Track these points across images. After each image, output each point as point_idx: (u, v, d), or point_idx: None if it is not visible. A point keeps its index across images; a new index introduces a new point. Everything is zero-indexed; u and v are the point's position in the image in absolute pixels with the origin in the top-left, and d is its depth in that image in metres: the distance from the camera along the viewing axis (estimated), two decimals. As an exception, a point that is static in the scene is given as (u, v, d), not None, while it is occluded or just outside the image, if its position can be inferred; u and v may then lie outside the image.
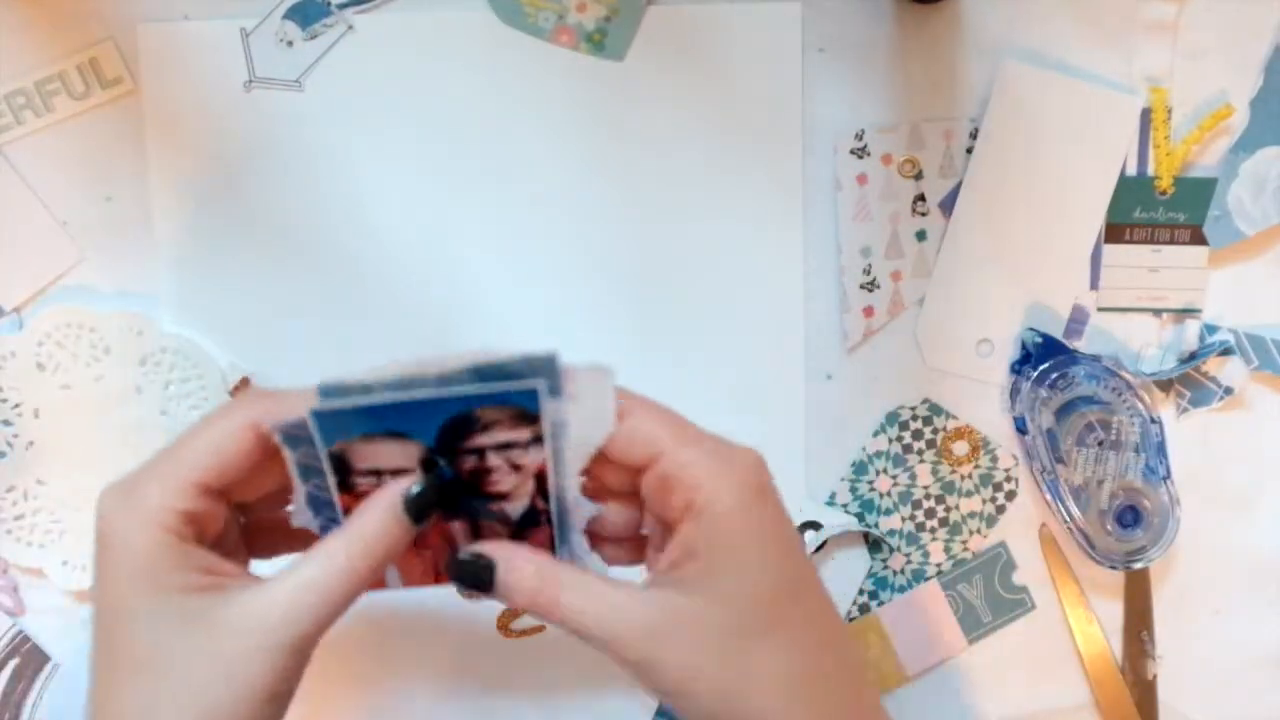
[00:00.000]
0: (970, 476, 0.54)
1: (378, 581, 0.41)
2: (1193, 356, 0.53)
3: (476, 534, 0.41)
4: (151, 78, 0.51)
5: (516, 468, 0.39)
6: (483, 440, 0.38)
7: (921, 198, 0.53)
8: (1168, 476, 0.52)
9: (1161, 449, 0.52)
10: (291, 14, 0.51)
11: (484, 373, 0.37)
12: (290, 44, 0.51)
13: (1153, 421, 0.51)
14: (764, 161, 0.52)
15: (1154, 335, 0.54)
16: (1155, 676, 0.55)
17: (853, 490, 0.54)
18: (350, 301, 0.52)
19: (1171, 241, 0.53)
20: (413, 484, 0.38)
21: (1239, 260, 0.54)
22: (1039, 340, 0.52)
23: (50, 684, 0.53)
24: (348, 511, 0.39)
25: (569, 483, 0.39)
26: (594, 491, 0.40)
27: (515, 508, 0.40)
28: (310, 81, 0.51)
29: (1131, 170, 0.53)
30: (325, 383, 0.37)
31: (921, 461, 0.54)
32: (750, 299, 0.52)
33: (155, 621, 0.35)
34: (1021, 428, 0.52)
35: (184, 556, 0.36)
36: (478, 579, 0.38)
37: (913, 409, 0.53)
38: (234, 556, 0.39)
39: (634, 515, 0.41)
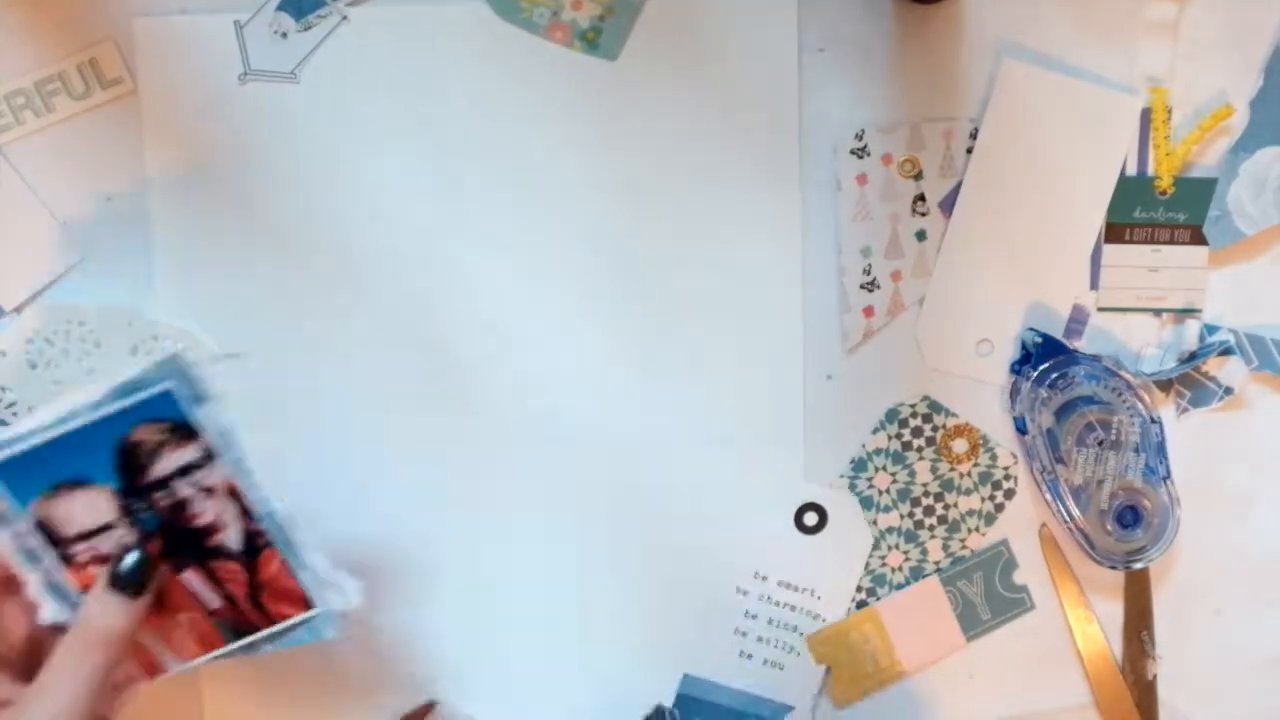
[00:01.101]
0: (969, 474, 0.54)
1: (154, 667, 0.41)
2: (1193, 356, 0.53)
3: (213, 578, 0.41)
4: (147, 72, 0.51)
5: (208, 491, 0.40)
6: (160, 469, 0.39)
7: (921, 198, 0.53)
8: (1168, 477, 0.52)
9: (1161, 449, 0.52)
10: (285, 5, 0.51)
11: (123, 390, 0.38)
12: (284, 36, 0.51)
13: (1153, 421, 0.51)
14: (761, 162, 0.52)
15: (1154, 335, 0.54)
16: (1155, 677, 0.55)
17: (852, 487, 0.54)
18: (347, 295, 0.52)
19: (1171, 241, 0.53)
20: (117, 562, 0.39)
21: (1239, 260, 0.53)
22: (1039, 340, 0.52)
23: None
24: (86, 589, 0.40)
25: (268, 494, 0.40)
26: None
27: (231, 537, 0.41)
28: (305, 73, 0.51)
29: (1131, 170, 0.53)
30: None
31: (921, 459, 0.54)
32: (749, 300, 0.52)
33: None
34: (1021, 428, 0.52)
35: None
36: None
37: (912, 406, 0.53)
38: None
39: None
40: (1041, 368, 0.51)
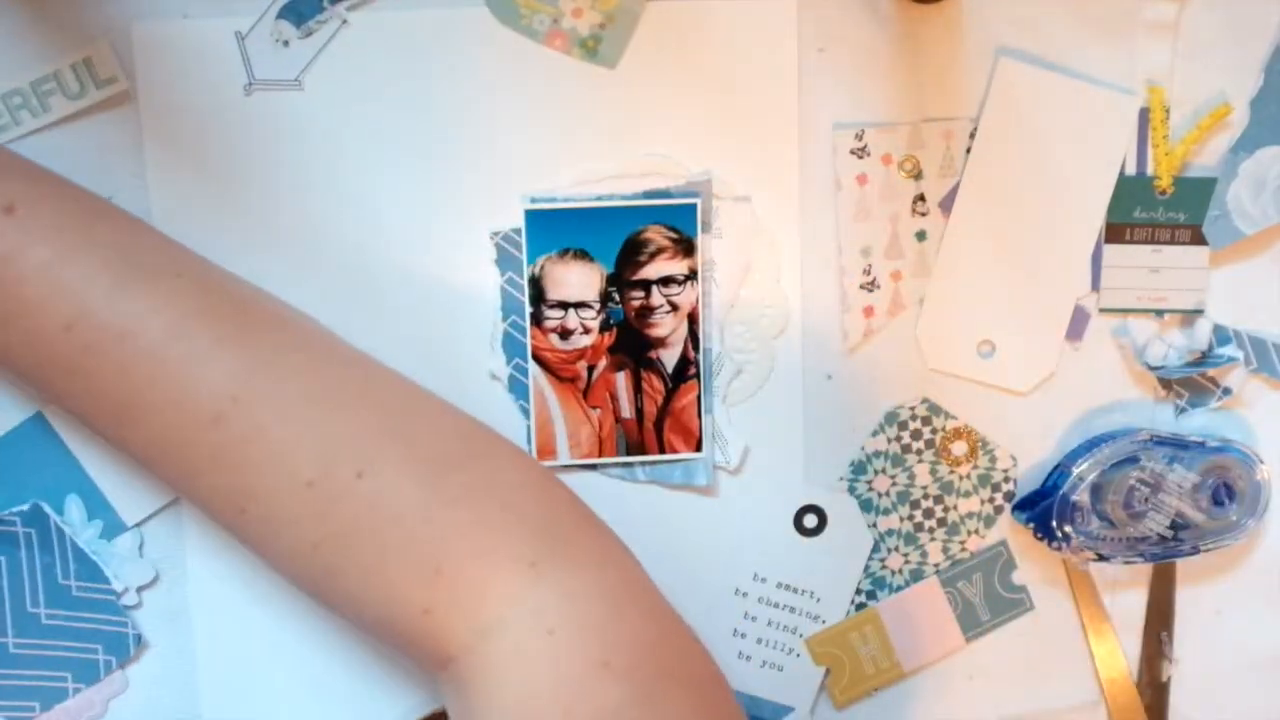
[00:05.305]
0: (969, 477, 0.54)
1: (547, 450, 0.46)
2: (1202, 359, 0.53)
3: (637, 387, 0.45)
4: (147, 80, 0.51)
5: (674, 307, 0.45)
6: (649, 271, 0.44)
7: (921, 198, 0.53)
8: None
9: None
10: (285, 13, 0.51)
11: (651, 193, 0.45)
12: (286, 44, 0.51)
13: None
14: (761, 162, 0.52)
15: (1156, 336, 0.54)
16: (1169, 679, 0.55)
17: (851, 490, 0.54)
18: (349, 300, 0.52)
19: (1172, 241, 0.53)
20: None
21: (1239, 260, 0.53)
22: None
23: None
24: (535, 353, 0.45)
25: (714, 330, 0.45)
26: None
27: (670, 355, 0.45)
28: (309, 79, 0.51)
29: (1130, 170, 0.53)
30: (534, 194, 0.46)
31: (920, 461, 0.54)
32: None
33: None
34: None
35: None
36: None
37: (912, 409, 0.53)
38: None
39: None
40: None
